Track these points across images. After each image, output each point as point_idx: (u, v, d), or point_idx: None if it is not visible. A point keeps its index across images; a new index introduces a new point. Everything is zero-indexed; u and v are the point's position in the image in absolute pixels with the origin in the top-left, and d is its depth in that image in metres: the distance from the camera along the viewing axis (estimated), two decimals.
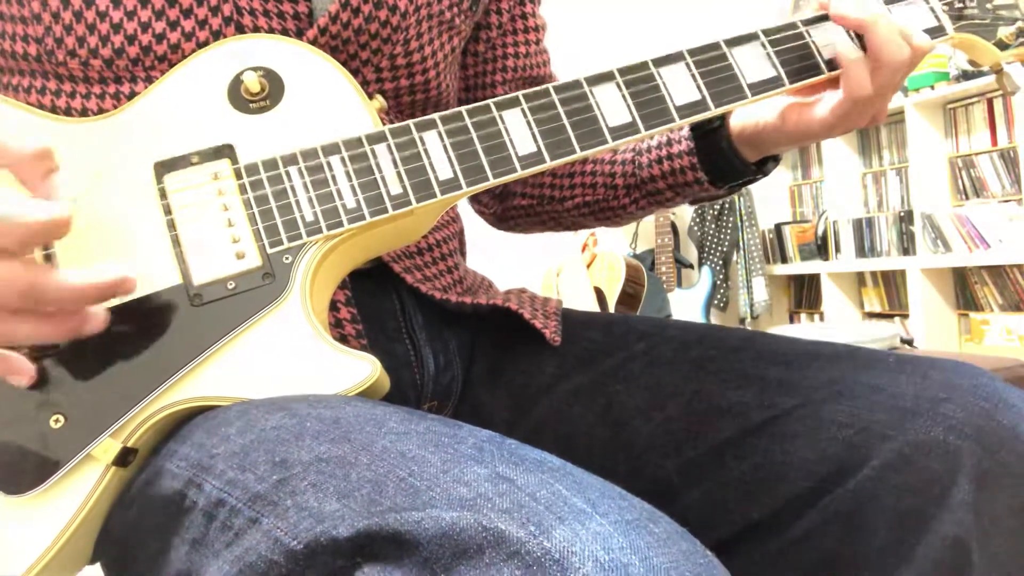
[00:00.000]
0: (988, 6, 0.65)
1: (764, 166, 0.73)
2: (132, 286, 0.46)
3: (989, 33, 0.65)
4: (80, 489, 0.48)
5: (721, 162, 0.72)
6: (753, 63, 0.61)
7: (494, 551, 0.32)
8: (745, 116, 0.70)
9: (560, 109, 0.58)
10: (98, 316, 0.46)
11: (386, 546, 0.35)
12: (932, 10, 0.65)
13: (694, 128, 0.73)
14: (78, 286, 0.44)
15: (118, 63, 0.58)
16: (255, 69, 0.56)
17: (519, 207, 0.85)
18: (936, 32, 0.64)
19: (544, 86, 0.58)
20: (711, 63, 0.61)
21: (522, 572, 0.32)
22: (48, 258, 0.50)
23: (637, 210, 0.80)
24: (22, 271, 0.43)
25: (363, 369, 0.50)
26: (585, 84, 0.58)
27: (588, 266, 3.43)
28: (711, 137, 0.72)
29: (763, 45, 0.62)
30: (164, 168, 0.53)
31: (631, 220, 0.84)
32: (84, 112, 0.60)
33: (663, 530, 0.35)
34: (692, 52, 0.61)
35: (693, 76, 0.60)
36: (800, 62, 0.62)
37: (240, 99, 0.55)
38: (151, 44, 0.58)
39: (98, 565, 0.54)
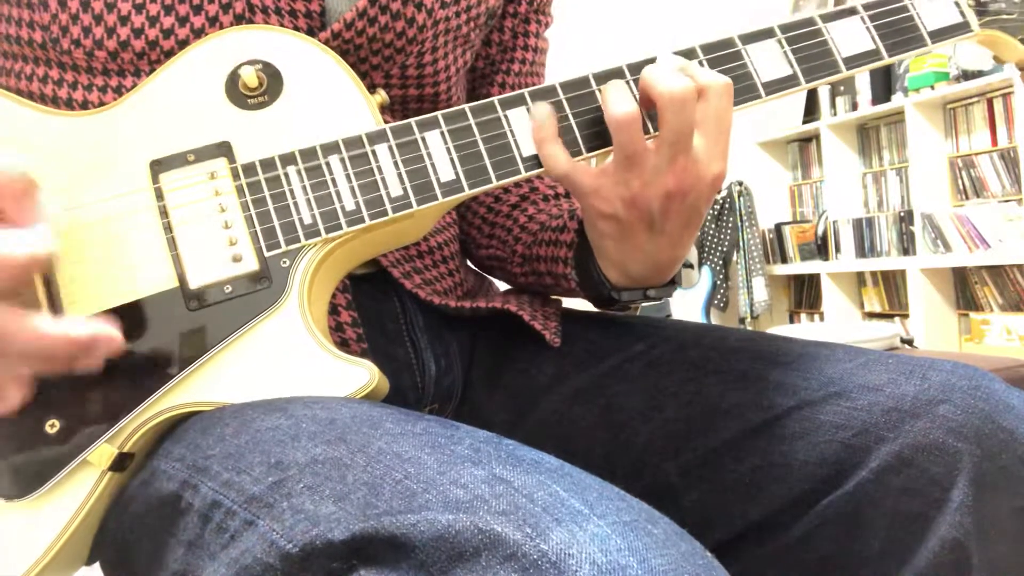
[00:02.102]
0: (1016, 0, 0.63)
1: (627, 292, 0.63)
2: (116, 346, 0.44)
3: (1016, 29, 0.63)
4: (77, 494, 0.48)
5: (591, 270, 0.63)
6: (770, 62, 0.58)
7: (490, 554, 0.32)
8: None
9: (568, 109, 0.56)
10: (92, 357, 0.44)
11: (382, 549, 0.35)
12: (957, 4, 0.61)
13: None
14: (50, 337, 0.42)
15: (123, 56, 0.58)
16: (252, 63, 0.54)
17: None
18: (961, 28, 0.61)
19: (551, 83, 0.56)
20: (726, 60, 0.58)
21: (519, 575, 0.31)
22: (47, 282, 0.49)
23: (526, 284, 0.74)
24: None
25: (361, 376, 0.49)
26: (594, 81, 0.56)
27: None
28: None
29: (780, 43, 0.58)
30: (160, 166, 0.52)
31: (524, 289, 0.76)
32: (85, 104, 0.59)
33: (662, 531, 0.34)
34: (706, 48, 0.58)
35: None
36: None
37: (237, 94, 0.54)
38: (158, 39, 0.57)
39: (97, 565, 0.54)
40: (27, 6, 0.59)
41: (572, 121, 0.56)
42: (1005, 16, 0.62)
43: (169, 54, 0.57)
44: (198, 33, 0.57)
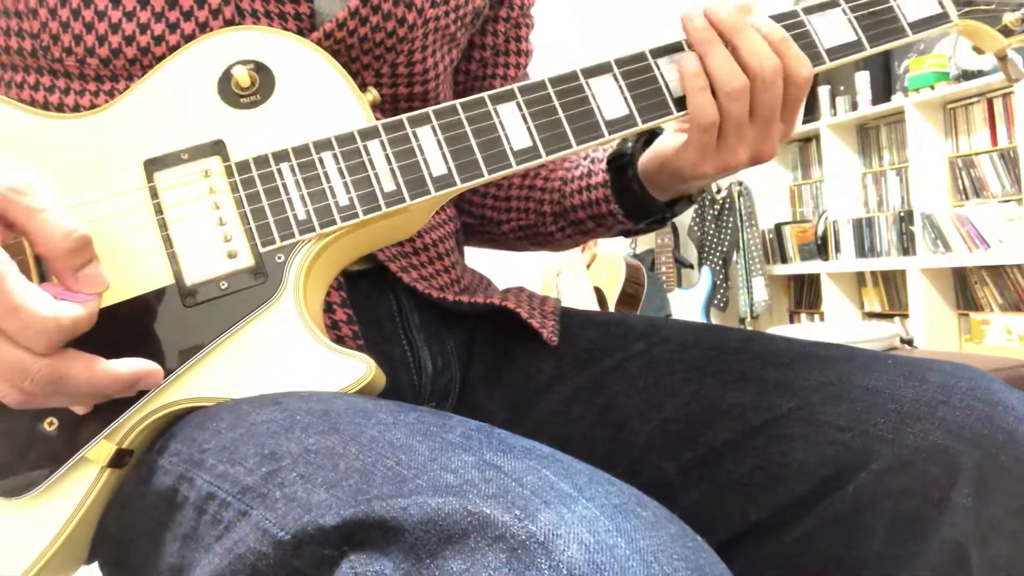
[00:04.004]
0: None
1: (674, 206, 0.73)
2: (157, 379, 0.47)
3: (993, 19, 0.64)
4: (76, 491, 0.48)
5: (632, 198, 0.72)
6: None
7: (479, 535, 0.32)
8: (649, 153, 0.70)
9: (556, 102, 0.57)
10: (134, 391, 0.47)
11: (372, 533, 0.35)
12: None
13: (613, 160, 0.73)
14: (99, 377, 0.44)
15: (115, 63, 0.58)
16: (245, 63, 0.55)
17: (464, 224, 0.85)
18: (940, 19, 0.63)
19: (540, 78, 0.57)
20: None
21: (507, 556, 0.31)
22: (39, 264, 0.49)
23: (564, 238, 0.81)
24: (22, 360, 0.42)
25: (358, 369, 0.49)
26: (582, 76, 0.58)
27: (588, 266, 3.43)
28: (625, 172, 0.72)
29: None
30: (154, 165, 0.53)
31: (562, 247, 0.84)
32: (77, 109, 0.59)
33: (651, 514, 0.34)
34: (690, 44, 0.60)
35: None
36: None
37: (230, 94, 0.55)
38: (149, 45, 0.58)
39: (96, 565, 0.54)
40: (15, 15, 0.59)
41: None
42: (984, 6, 0.63)
43: (161, 60, 0.57)
44: (188, 38, 0.58)
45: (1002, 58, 0.66)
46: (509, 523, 0.32)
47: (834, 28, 0.61)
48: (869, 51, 0.62)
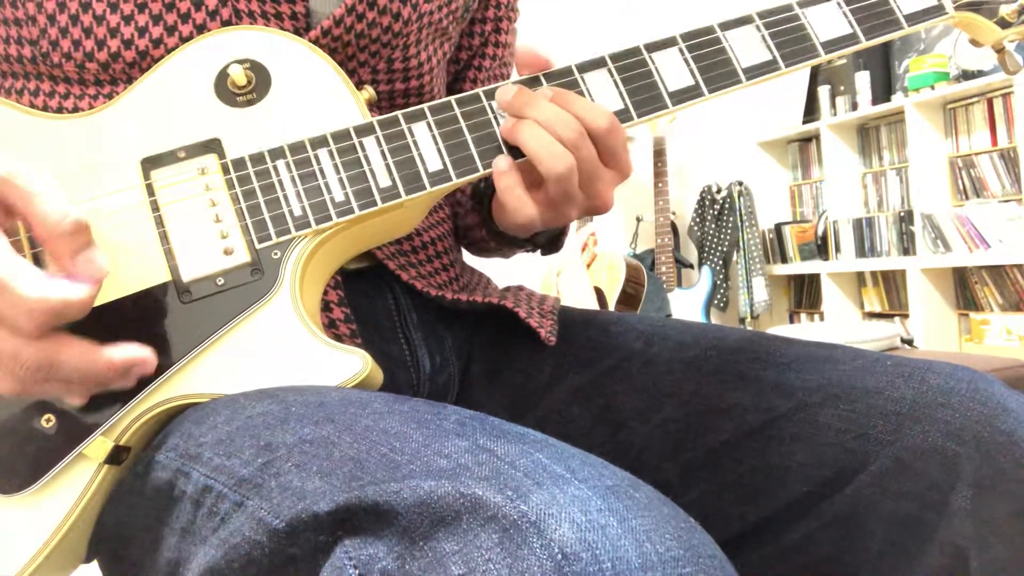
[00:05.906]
0: None
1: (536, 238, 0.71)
2: (150, 367, 0.46)
3: (990, 11, 0.63)
4: (73, 488, 0.48)
5: (493, 232, 0.70)
6: (750, 48, 0.60)
7: (471, 517, 0.32)
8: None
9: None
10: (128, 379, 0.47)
11: (366, 518, 0.35)
12: None
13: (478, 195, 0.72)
14: (92, 362, 0.44)
15: (114, 67, 0.58)
16: (241, 62, 0.55)
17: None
18: (936, 11, 0.62)
19: (536, 73, 0.58)
20: (705, 46, 0.59)
21: (499, 536, 0.32)
22: (36, 259, 0.49)
23: (478, 253, 0.80)
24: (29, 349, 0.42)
25: (354, 363, 0.50)
26: (576, 71, 0.58)
27: (588, 266, 3.43)
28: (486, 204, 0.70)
29: (758, 28, 0.60)
30: (151, 164, 0.53)
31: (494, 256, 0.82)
32: (76, 112, 0.59)
33: (644, 495, 0.34)
34: (685, 36, 0.59)
35: (687, 61, 0.59)
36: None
37: (227, 92, 0.55)
38: (148, 49, 0.58)
39: (95, 565, 0.54)
40: (14, 23, 0.59)
41: None
42: None
43: (159, 62, 0.57)
44: (186, 41, 0.58)
45: (999, 50, 0.66)
46: (501, 504, 0.32)
47: (829, 21, 0.61)
48: (865, 43, 0.61)
